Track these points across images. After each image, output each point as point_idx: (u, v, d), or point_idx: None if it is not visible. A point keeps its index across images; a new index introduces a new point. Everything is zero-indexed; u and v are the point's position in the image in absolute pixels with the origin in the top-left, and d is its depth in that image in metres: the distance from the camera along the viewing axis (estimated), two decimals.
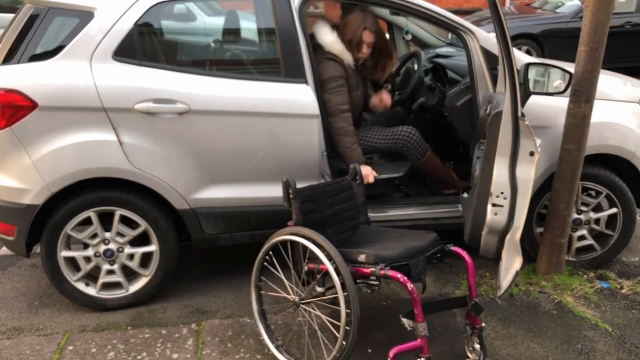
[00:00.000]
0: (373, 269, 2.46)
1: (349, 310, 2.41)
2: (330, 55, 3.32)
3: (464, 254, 2.67)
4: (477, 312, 2.65)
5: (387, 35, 3.48)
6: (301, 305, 2.73)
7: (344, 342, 2.45)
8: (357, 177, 2.96)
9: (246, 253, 3.82)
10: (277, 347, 2.79)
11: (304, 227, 2.65)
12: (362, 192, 2.98)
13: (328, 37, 3.33)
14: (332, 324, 2.58)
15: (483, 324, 2.70)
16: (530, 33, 9.19)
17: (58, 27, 3.03)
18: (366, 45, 3.36)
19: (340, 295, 2.42)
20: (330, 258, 2.47)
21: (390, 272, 2.42)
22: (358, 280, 2.51)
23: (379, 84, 3.82)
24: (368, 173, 3.26)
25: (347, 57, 3.34)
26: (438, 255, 2.70)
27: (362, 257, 2.52)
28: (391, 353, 2.42)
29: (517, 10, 10.99)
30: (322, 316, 2.66)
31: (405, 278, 2.41)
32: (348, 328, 2.44)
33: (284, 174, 3.16)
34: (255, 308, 2.87)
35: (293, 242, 2.66)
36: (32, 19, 2.99)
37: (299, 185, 2.83)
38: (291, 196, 2.72)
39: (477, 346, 2.70)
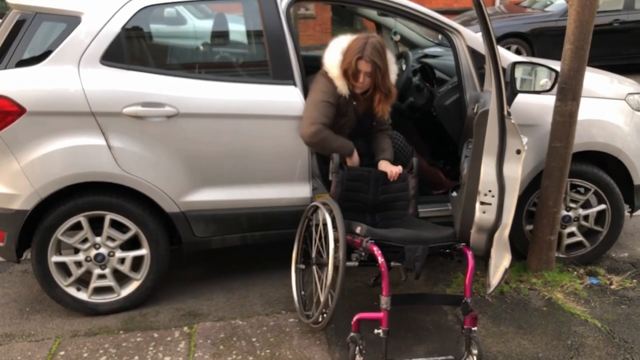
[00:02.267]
0: (362, 240, 2.70)
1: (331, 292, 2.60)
2: (327, 75, 3.11)
3: (469, 254, 2.77)
4: (465, 311, 2.68)
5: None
6: (314, 266, 2.93)
7: (329, 302, 2.65)
8: (414, 170, 3.12)
9: (237, 256, 3.83)
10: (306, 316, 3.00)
11: (340, 200, 2.94)
12: (414, 186, 3.13)
13: (331, 59, 3.09)
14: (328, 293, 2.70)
15: (474, 328, 2.67)
16: (520, 32, 9.24)
17: (45, 32, 3.03)
18: (363, 74, 3.04)
19: (331, 254, 2.62)
20: (335, 227, 2.67)
21: (370, 245, 2.64)
22: (353, 252, 2.77)
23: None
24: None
25: (341, 85, 3.07)
26: (447, 250, 2.86)
27: (358, 229, 2.74)
28: (355, 318, 2.62)
29: (507, 9, 11.04)
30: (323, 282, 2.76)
31: (380, 252, 2.61)
32: (332, 292, 2.62)
33: (273, 175, 3.19)
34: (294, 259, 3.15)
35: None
36: (19, 25, 2.99)
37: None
38: (332, 170, 3.01)
39: (475, 351, 2.66)
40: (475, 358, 2.62)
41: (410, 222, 3.09)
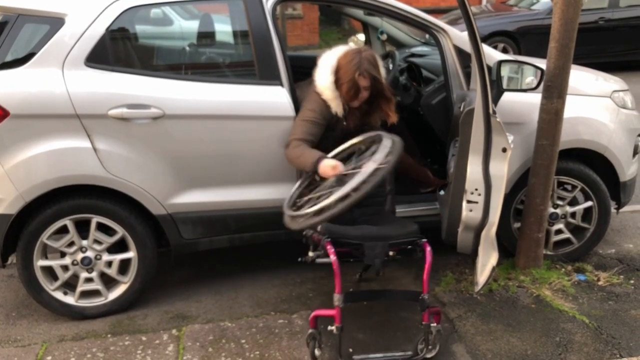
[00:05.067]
0: (322, 238, 2.71)
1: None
2: (320, 95, 3.06)
3: (427, 250, 2.71)
4: (421, 307, 2.68)
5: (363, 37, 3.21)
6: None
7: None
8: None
9: (226, 257, 3.81)
10: None
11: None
12: (390, 181, 3.09)
13: (323, 80, 3.05)
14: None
15: (433, 324, 2.71)
16: (507, 30, 9.29)
17: (28, 34, 3.00)
18: (363, 89, 3.03)
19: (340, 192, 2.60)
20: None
21: (325, 242, 2.65)
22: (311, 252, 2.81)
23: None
24: (329, 168, 2.85)
25: (336, 105, 3.06)
26: (409, 246, 2.81)
27: (320, 227, 2.74)
28: (311, 315, 2.69)
29: (494, 8, 11.10)
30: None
31: (333, 250, 2.61)
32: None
33: (261, 176, 3.18)
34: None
35: None
36: (1, 26, 2.96)
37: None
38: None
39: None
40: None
41: (385, 218, 3.05)
